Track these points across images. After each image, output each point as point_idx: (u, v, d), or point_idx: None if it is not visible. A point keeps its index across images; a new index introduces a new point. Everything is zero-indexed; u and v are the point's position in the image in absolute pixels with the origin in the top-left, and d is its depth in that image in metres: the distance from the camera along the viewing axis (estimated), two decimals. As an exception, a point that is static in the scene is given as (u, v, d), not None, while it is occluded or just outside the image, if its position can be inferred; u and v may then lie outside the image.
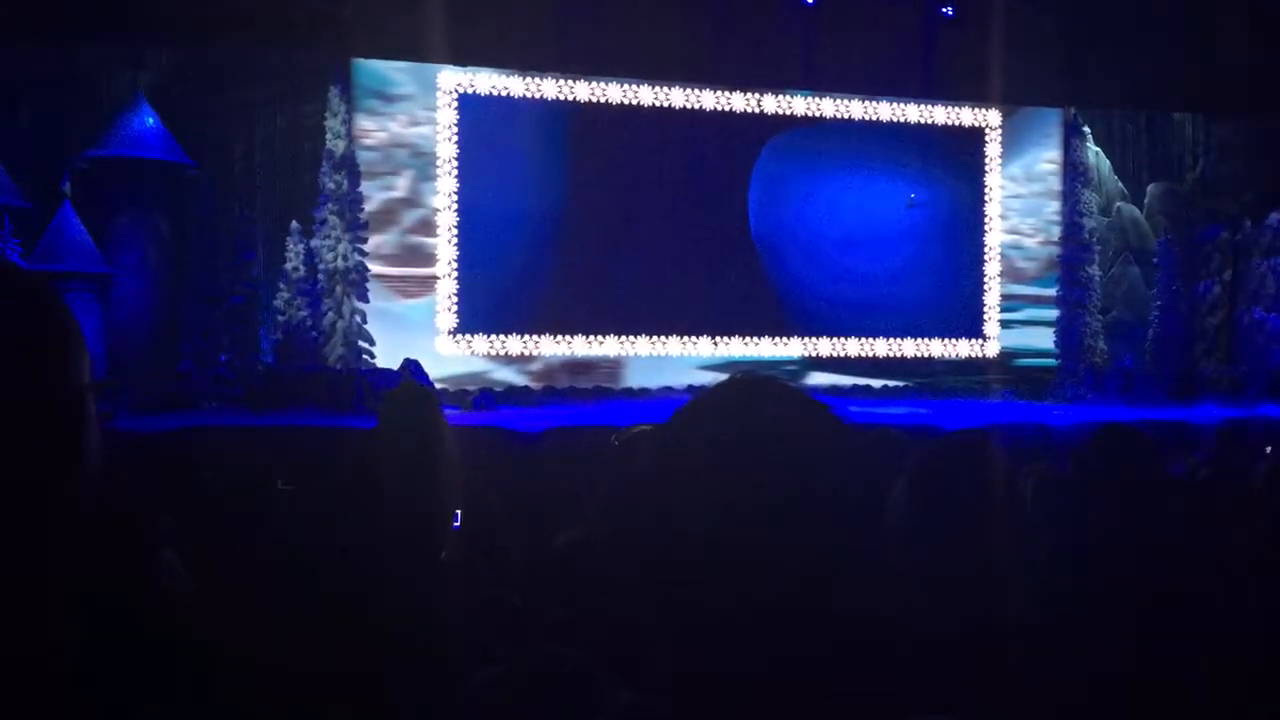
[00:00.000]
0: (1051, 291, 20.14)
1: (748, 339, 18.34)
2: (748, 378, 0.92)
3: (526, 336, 17.23)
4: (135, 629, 0.98)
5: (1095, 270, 20.12)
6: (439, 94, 17.00)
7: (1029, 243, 20.34)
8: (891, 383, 18.94)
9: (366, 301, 16.41)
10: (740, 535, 0.80)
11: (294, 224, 15.95)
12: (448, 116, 17.02)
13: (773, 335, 18.51)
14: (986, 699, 1.43)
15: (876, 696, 0.86)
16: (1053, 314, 20.12)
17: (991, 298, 19.94)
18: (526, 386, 17.15)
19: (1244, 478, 3.99)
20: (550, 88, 17.53)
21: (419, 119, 17.01)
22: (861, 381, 18.76)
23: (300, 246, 15.85)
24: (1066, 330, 19.92)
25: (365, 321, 16.39)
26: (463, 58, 16.63)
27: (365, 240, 16.44)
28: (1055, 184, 20.39)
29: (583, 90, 17.69)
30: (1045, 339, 20.12)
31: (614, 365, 17.76)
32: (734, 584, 0.80)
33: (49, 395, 0.86)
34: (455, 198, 16.98)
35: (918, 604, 1.47)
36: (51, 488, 0.87)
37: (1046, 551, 2.16)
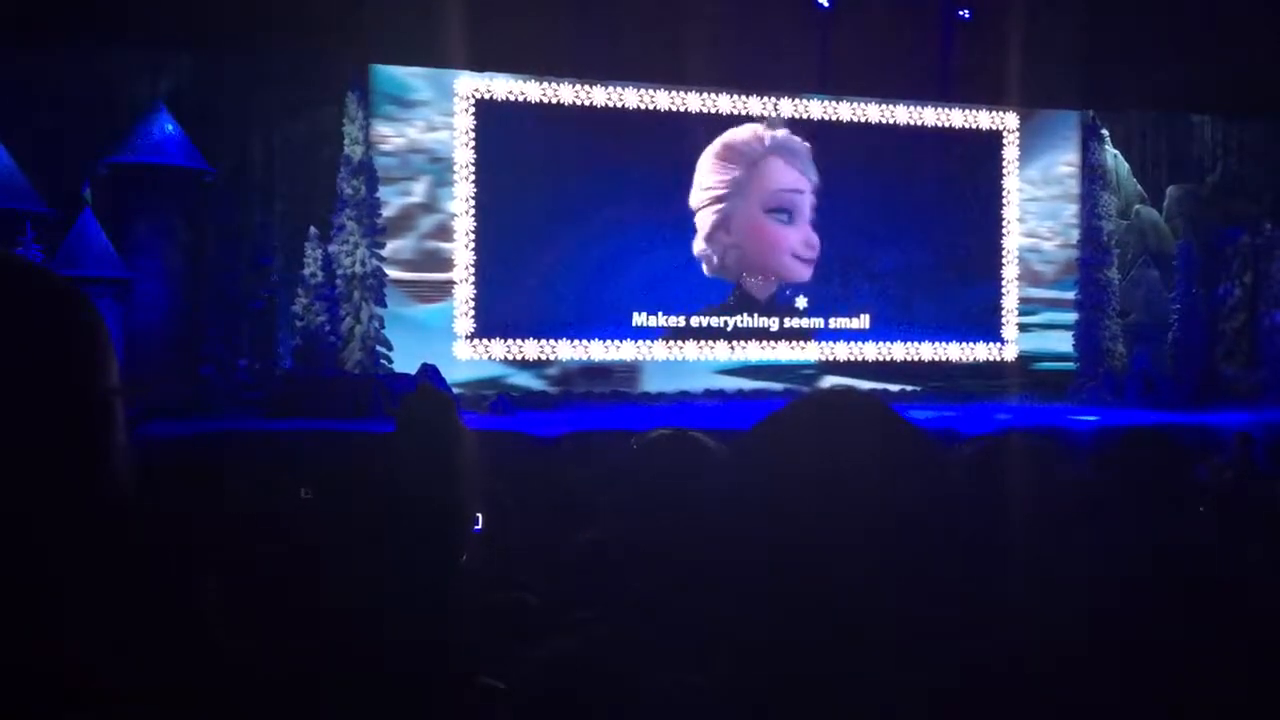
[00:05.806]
0: (1070, 295, 20.04)
1: (765, 343, 18.30)
2: (832, 392, 0.91)
3: (543, 341, 17.24)
4: (165, 633, 0.98)
5: (1114, 273, 20.02)
6: (456, 99, 17.05)
7: (1047, 246, 20.23)
8: (909, 387, 18.84)
9: (384, 306, 16.47)
10: (826, 549, 0.79)
11: (312, 229, 16.01)
12: (465, 122, 17.06)
13: (790, 339, 18.46)
14: (1013, 711, 1.42)
15: (939, 706, 0.85)
16: (1071, 317, 20.02)
17: (1009, 301, 19.83)
18: (544, 391, 17.16)
19: (1268, 481, 3.95)
20: (567, 93, 17.55)
21: (436, 124, 17.06)
22: (879, 386, 18.66)
23: (318, 252, 15.91)
24: (1085, 334, 19.81)
25: (383, 326, 16.46)
26: (480, 63, 16.68)
27: (383, 245, 16.51)
28: (1073, 187, 20.29)
29: (599, 95, 17.70)
30: (1064, 343, 20.01)
31: (631, 370, 17.76)
32: (815, 596, 0.79)
33: (78, 398, 0.86)
34: (473, 203, 17.02)
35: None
36: (80, 492, 0.87)
37: (1068, 558, 2.14)
